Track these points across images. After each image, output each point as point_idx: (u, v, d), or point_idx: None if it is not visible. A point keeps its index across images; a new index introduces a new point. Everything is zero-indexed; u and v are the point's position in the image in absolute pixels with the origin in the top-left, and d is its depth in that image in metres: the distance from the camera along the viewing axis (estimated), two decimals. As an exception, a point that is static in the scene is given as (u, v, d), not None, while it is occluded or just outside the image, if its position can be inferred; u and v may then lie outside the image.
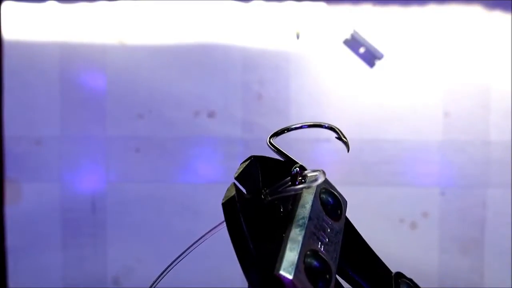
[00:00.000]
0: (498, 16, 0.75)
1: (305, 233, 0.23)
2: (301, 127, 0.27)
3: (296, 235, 0.23)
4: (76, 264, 0.77)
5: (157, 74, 0.76)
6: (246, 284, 0.22)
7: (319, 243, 0.23)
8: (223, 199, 0.22)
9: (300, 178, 0.24)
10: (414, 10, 0.75)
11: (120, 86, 0.76)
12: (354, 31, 0.74)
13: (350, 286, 0.27)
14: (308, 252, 0.22)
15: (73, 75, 0.76)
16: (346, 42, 0.75)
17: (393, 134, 0.75)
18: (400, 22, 0.75)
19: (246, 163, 0.25)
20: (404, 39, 0.75)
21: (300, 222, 0.23)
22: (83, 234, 0.76)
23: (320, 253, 0.23)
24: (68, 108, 0.76)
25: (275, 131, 0.27)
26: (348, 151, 0.26)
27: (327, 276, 0.22)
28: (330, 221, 0.25)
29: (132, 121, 0.76)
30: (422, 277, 0.74)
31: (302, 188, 0.24)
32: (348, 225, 0.27)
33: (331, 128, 0.27)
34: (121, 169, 0.76)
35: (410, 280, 0.28)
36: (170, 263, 0.21)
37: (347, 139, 0.27)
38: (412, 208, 0.75)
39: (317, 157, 0.75)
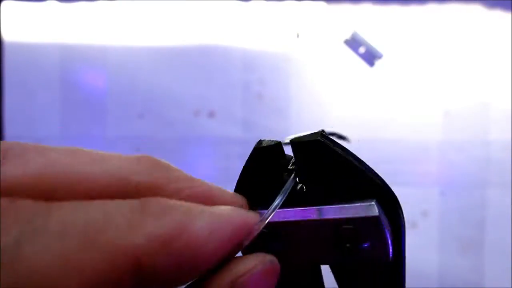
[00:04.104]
0: (498, 16, 0.75)
1: None
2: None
3: None
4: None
5: (157, 74, 0.76)
6: None
7: None
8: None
9: None
10: (414, 9, 0.75)
11: (120, 86, 0.76)
12: (354, 31, 0.74)
13: None
14: None
15: (73, 75, 0.76)
16: (346, 42, 0.75)
17: (392, 133, 0.75)
18: (400, 22, 0.75)
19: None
20: (404, 39, 0.75)
21: None
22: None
23: None
24: (68, 108, 0.76)
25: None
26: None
27: None
28: None
29: (132, 121, 0.76)
30: (422, 277, 0.74)
31: None
32: None
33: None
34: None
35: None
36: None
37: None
38: (412, 207, 0.75)
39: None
